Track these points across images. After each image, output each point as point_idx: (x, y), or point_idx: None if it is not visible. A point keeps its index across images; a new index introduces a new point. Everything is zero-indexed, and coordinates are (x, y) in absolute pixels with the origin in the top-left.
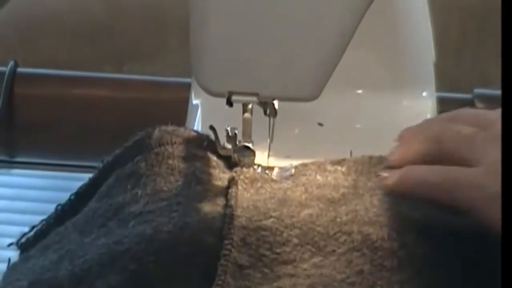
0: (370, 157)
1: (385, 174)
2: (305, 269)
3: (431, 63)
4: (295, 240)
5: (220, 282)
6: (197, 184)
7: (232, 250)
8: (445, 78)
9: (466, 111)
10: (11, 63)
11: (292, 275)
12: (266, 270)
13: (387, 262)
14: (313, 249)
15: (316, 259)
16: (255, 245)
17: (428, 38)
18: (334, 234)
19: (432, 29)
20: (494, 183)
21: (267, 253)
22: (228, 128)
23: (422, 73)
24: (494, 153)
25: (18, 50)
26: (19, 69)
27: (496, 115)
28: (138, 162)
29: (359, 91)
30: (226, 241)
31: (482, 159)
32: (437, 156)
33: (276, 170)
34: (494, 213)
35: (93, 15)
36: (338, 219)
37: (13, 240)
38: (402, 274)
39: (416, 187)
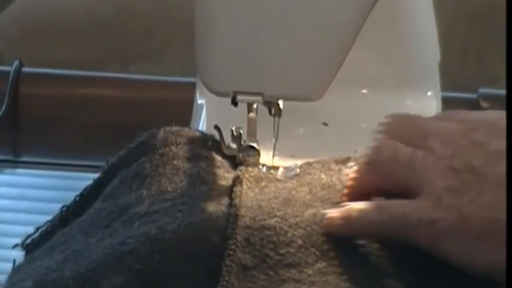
0: None
1: (329, 212)
2: (310, 275)
3: (436, 62)
4: (299, 241)
5: (224, 283)
6: (202, 184)
7: (236, 250)
8: (450, 78)
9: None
10: (16, 62)
11: (296, 281)
12: (270, 272)
13: (390, 269)
14: (317, 253)
15: (320, 264)
16: (259, 245)
17: (432, 37)
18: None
19: (437, 28)
20: (443, 216)
21: (271, 253)
22: (233, 128)
23: (426, 72)
24: (437, 177)
25: (23, 50)
26: (24, 69)
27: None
28: (142, 162)
29: (364, 91)
30: (230, 241)
31: (425, 186)
32: (380, 183)
33: (281, 170)
34: (449, 247)
35: (98, 15)
36: None
37: (18, 239)
38: (405, 281)
39: (360, 228)
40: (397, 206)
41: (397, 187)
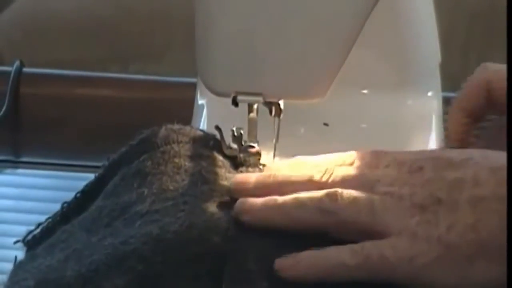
0: None
1: (283, 260)
2: None
3: (437, 63)
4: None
5: None
6: (203, 183)
7: (239, 253)
8: (450, 78)
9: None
10: (17, 63)
11: None
12: (273, 279)
13: None
14: None
15: None
16: (261, 247)
17: (433, 38)
18: None
19: (437, 29)
20: (425, 249)
21: (275, 256)
22: (234, 128)
23: (427, 73)
24: (405, 216)
25: (24, 50)
26: (25, 69)
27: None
28: (144, 160)
29: (365, 91)
30: (233, 244)
31: (394, 227)
32: (334, 229)
33: None
34: (435, 278)
35: (99, 15)
36: None
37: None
38: None
39: (333, 273)
40: (372, 247)
41: (359, 234)
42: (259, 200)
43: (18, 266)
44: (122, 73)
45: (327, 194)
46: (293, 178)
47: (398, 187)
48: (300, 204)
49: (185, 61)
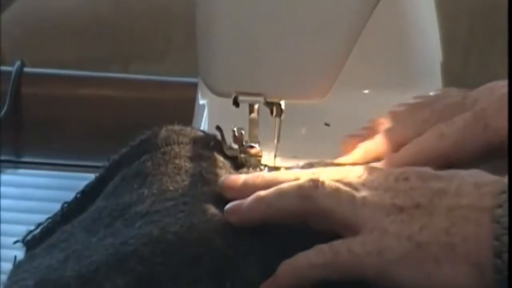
0: None
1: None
2: None
3: (438, 62)
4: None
5: None
6: (204, 184)
7: (239, 259)
8: (452, 78)
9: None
10: (18, 62)
11: None
12: None
13: None
14: None
15: None
16: (262, 250)
17: (435, 37)
18: None
19: (439, 28)
20: (393, 244)
21: (276, 261)
22: (235, 129)
23: (428, 72)
24: (381, 214)
25: (25, 50)
26: (26, 69)
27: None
28: (144, 161)
29: (366, 91)
30: (233, 248)
31: (369, 222)
32: (313, 217)
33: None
34: (402, 274)
35: (100, 15)
36: None
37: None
38: None
39: (302, 274)
40: (340, 244)
41: (334, 224)
42: (246, 200)
43: (18, 266)
44: (123, 73)
45: (309, 180)
46: (281, 179)
47: (382, 191)
48: (281, 193)
49: (186, 61)
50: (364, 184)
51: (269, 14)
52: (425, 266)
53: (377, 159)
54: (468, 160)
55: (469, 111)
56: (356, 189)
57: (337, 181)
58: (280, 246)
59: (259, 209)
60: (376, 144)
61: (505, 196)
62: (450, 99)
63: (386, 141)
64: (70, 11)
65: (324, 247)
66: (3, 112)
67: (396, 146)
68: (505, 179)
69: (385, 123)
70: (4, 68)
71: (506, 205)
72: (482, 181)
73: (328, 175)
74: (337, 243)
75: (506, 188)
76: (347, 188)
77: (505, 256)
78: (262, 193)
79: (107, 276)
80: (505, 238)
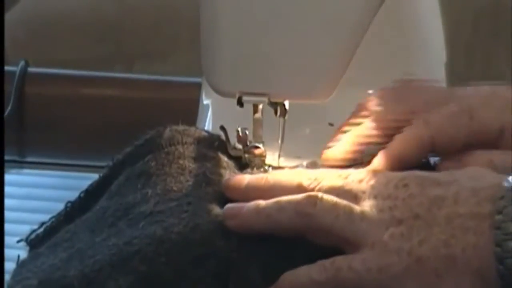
0: None
1: None
2: None
3: (442, 62)
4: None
5: None
6: (208, 185)
7: (242, 261)
8: (456, 77)
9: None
10: (22, 62)
11: None
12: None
13: None
14: None
15: None
16: (265, 253)
17: (439, 37)
18: None
19: (443, 28)
20: (394, 261)
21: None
22: (239, 129)
23: (433, 72)
24: (380, 228)
25: (29, 50)
26: (30, 69)
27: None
28: (148, 161)
29: (370, 91)
30: (236, 251)
31: (367, 237)
32: (311, 233)
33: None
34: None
35: (104, 15)
36: None
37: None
38: None
39: None
40: (342, 260)
41: (334, 240)
42: (245, 205)
43: (21, 265)
44: (127, 72)
45: (307, 197)
46: (284, 183)
47: (381, 200)
48: (280, 207)
49: (190, 61)
50: (364, 192)
51: (273, 14)
52: (426, 280)
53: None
54: (453, 147)
55: (455, 103)
56: (356, 197)
57: (338, 188)
58: (284, 247)
59: (258, 219)
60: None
61: (504, 202)
62: (437, 91)
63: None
64: (74, 11)
65: (326, 263)
66: (7, 112)
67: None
68: (504, 181)
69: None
70: (8, 68)
71: (506, 211)
72: (480, 186)
73: (329, 181)
74: (339, 259)
75: (504, 192)
76: (345, 203)
77: (508, 261)
78: (262, 203)
79: (111, 276)
80: (508, 244)
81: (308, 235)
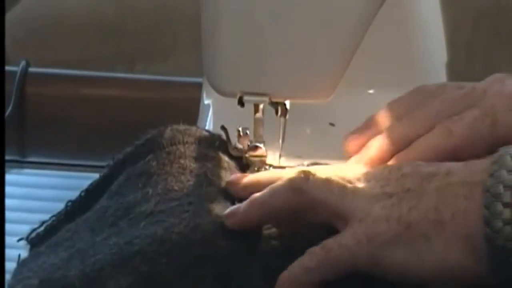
0: None
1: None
2: None
3: (443, 62)
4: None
5: None
6: (209, 184)
7: (243, 260)
8: (456, 77)
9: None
10: (23, 62)
11: None
12: None
13: None
14: None
15: None
16: (266, 252)
17: (439, 37)
18: None
19: (444, 28)
20: (383, 229)
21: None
22: (240, 128)
23: (433, 72)
24: (371, 201)
25: (30, 50)
26: (31, 69)
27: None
28: (149, 161)
29: (371, 91)
30: (237, 251)
31: (358, 211)
32: (305, 208)
33: None
34: (393, 257)
35: (105, 15)
36: None
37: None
38: None
39: (300, 281)
40: (331, 241)
41: (326, 215)
42: (242, 204)
43: (22, 264)
44: (128, 73)
45: (299, 172)
46: (276, 177)
47: (374, 181)
48: (273, 192)
49: (191, 61)
50: (359, 179)
51: (273, 14)
52: (416, 245)
53: (391, 157)
54: (476, 156)
55: (478, 107)
56: (350, 182)
57: (334, 173)
58: (284, 246)
59: (253, 210)
60: (389, 140)
61: (495, 166)
62: (458, 91)
63: (399, 138)
64: (75, 11)
65: (316, 248)
66: (8, 112)
67: (408, 141)
68: (499, 151)
69: (388, 118)
70: (9, 68)
71: (497, 174)
72: (474, 162)
73: (323, 170)
74: (328, 242)
75: (497, 158)
76: (338, 179)
77: (495, 223)
78: (256, 195)
79: (111, 276)
80: (496, 206)
81: (302, 213)
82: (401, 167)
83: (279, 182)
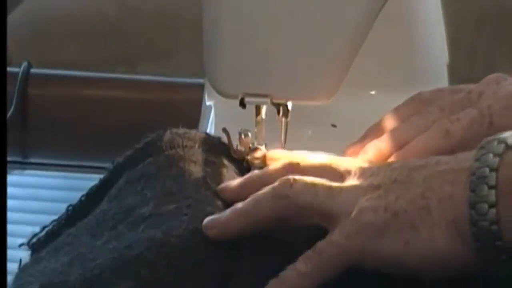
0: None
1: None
2: None
3: (444, 63)
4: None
5: None
6: (207, 188)
7: (243, 263)
8: (458, 79)
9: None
10: (25, 64)
11: None
12: None
13: None
14: None
15: None
16: (265, 255)
17: (441, 38)
18: None
19: (445, 29)
20: (370, 219)
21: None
22: (241, 130)
23: (435, 73)
24: (358, 195)
25: (32, 51)
26: (33, 70)
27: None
28: (148, 164)
29: (372, 92)
30: (236, 254)
31: (345, 206)
32: (288, 214)
33: None
34: (382, 246)
35: (107, 16)
36: None
37: (27, 240)
38: None
39: (295, 286)
40: (322, 243)
41: (315, 218)
42: (223, 213)
43: (23, 269)
44: (130, 74)
45: (281, 181)
46: (270, 169)
47: (363, 178)
48: (256, 201)
49: (193, 62)
50: (350, 172)
51: (275, 15)
52: (403, 234)
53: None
54: None
55: (475, 107)
56: (341, 176)
57: (324, 165)
58: (283, 249)
59: (237, 221)
60: (386, 144)
61: (482, 151)
62: (455, 96)
63: (396, 141)
64: (77, 12)
65: (308, 252)
66: (10, 113)
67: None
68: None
69: (385, 128)
70: (11, 69)
71: (483, 158)
72: (464, 152)
73: (316, 160)
74: (319, 244)
75: (485, 143)
76: (322, 180)
77: (480, 206)
78: (239, 205)
79: (112, 280)
80: (481, 189)
81: (289, 219)
82: (392, 163)
83: (262, 191)
